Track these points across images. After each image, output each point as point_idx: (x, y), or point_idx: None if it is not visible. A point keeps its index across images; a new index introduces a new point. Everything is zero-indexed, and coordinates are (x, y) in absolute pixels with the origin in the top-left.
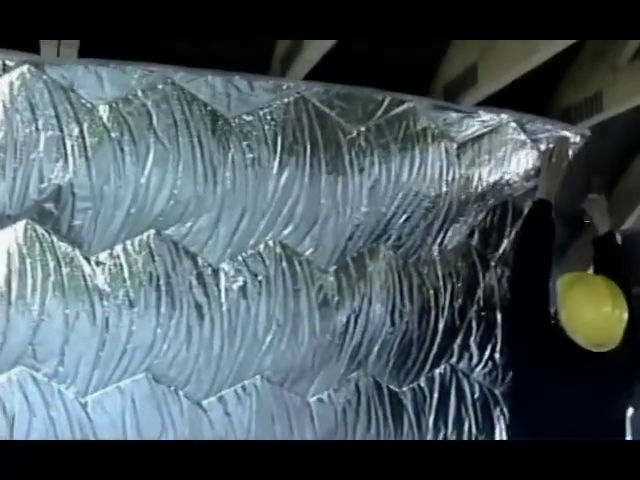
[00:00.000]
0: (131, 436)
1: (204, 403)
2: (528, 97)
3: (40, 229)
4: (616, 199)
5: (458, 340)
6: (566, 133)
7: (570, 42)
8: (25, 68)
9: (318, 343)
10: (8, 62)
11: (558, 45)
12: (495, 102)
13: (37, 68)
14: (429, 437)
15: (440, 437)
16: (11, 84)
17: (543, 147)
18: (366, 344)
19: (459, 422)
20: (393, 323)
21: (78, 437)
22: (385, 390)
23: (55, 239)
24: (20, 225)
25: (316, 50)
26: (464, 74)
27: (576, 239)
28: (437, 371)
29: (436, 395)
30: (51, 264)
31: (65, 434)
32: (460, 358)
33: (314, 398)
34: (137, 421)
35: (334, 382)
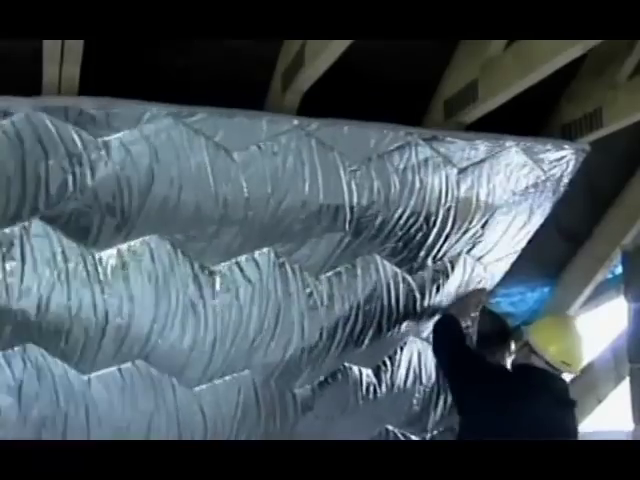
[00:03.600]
0: (127, 412)
1: (196, 390)
2: (528, 113)
3: (47, 227)
4: (616, 214)
5: None
6: (564, 152)
7: (571, 57)
8: (30, 110)
9: (307, 344)
10: (10, 110)
11: (558, 61)
12: (495, 118)
13: (41, 110)
14: None
15: None
16: (15, 124)
17: (545, 166)
18: (353, 344)
19: None
20: (380, 327)
21: (81, 411)
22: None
23: (62, 236)
24: (28, 222)
25: (317, 66)
26: (465, 90)
27: (576, 254)
28: None
29: None
30: (58, 258)
31: (69, 407)
32: None
33: (299, 390)
34: (132, 399)
35: (320, 377)
